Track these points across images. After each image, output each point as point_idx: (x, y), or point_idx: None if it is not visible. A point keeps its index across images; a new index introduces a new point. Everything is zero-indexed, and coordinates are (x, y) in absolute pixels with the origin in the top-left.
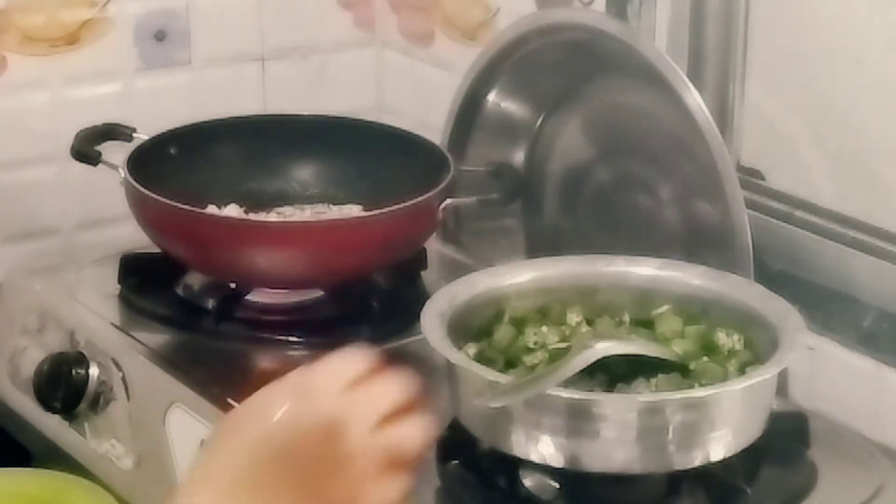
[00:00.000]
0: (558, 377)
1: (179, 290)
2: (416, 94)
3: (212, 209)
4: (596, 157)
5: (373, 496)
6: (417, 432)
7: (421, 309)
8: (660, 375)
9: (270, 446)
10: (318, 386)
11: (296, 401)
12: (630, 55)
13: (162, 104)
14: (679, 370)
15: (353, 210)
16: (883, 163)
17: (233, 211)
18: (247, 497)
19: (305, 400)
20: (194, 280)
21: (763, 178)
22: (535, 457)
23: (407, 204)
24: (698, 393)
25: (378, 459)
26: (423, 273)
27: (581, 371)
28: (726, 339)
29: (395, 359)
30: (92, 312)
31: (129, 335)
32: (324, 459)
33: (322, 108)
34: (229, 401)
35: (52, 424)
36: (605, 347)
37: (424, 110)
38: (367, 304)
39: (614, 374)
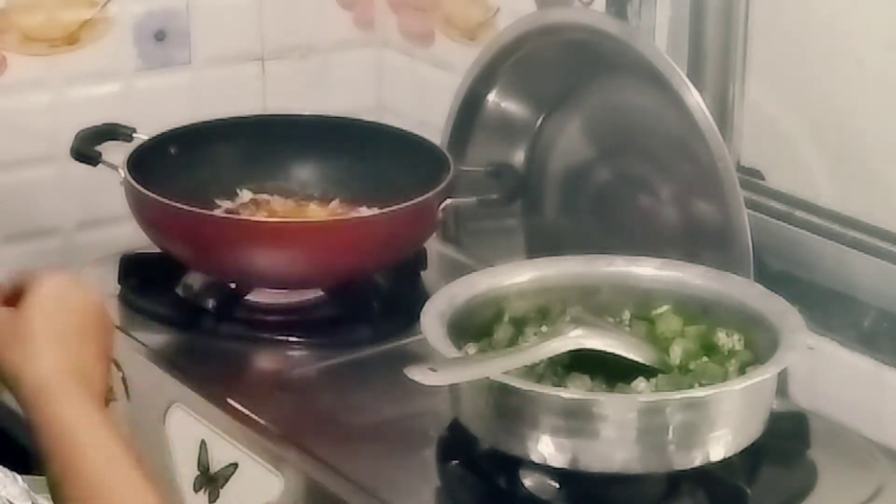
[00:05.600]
0: (513, 363)
1: (179, 291)
2: (416, 94)
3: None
4: (596, 157)
5: None
6: None
7: (421, 309)
8: (660, 375)
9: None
10: None
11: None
12: (630, 55)
13: (162, 104)
14: (668, 371)
15: (354, 210)
16: (883, 163)
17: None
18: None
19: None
20: (194, 280)
21: (763, 178)
22: (535, 457)
23: (407, 204)
24: (698, 393)
25: None
26: (423, 273)
27: (581, 371)
28: (726, 339)
29: (395, 359)
30: None
31: (129, 335)
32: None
33: (322, 108)
34: (229, 401)
35: None
36: (575, 341)
37: (424, 110)
38: (367, 304)
39: (614, 374)
